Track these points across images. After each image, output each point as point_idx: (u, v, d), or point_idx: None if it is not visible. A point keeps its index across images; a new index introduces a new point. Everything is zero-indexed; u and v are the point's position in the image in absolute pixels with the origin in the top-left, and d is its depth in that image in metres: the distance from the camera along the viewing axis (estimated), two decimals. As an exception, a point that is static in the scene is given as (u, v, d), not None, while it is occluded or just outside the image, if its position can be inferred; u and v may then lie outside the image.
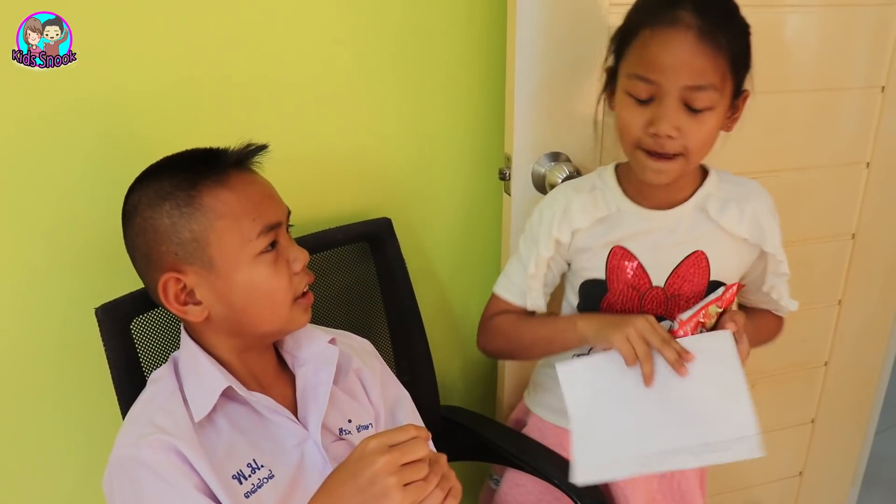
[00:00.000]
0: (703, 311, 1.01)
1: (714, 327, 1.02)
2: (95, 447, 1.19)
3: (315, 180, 1.23)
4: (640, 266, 1.06)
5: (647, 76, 0.93)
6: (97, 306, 0.98)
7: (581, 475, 0.98)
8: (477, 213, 1.38)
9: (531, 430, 1.26)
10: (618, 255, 1.07)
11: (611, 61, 1.03)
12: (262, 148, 0.90)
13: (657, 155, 0.96)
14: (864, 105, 1.43)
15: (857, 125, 1.45)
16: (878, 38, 1.38)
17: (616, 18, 1.18)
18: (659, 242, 1.06)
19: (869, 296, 1.61)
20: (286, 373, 0.99)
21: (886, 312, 1.66)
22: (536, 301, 1.13)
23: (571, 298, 1.15)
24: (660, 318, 1.05)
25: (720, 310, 1.02)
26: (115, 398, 0.99)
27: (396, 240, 1.25)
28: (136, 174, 0.90)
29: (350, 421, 0.97)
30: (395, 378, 1.10)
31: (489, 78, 1.28)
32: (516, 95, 1.17)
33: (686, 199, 1.06)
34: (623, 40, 0.99)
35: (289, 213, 0.93)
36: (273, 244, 0.88)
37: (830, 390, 1.67)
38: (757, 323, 1.14)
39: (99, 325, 0.98)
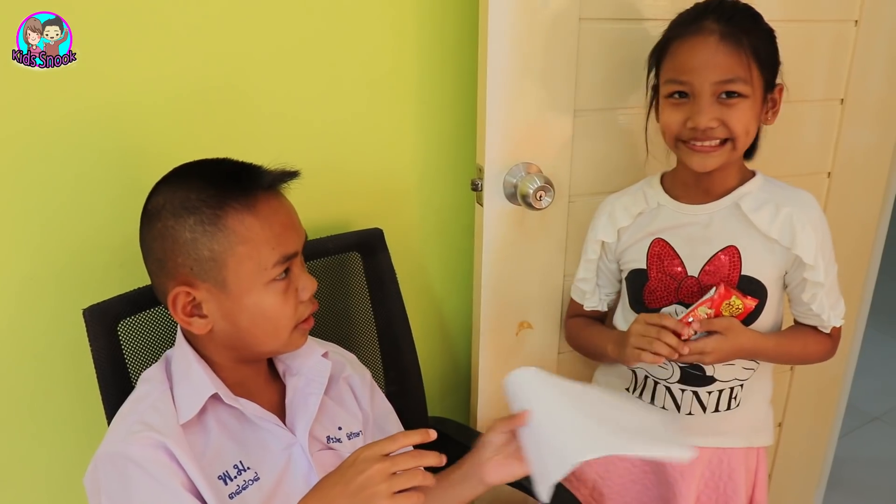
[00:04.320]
0: (693, 313, 1.06)
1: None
2: (82, 448, 1.19)
3: (307, 189, 1.23)
4: (677, 256, 1.15)
5: (679, 78, 1.05)
6: (85, 307, 0.99)
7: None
8: (453, 223, 1.39)
9: None
10: (657, 246, 1.17)
11: (652, 79, 1.14)
12: (294, 175, 0.91)
13: (699, 145, 1.06)
14: (825, 117, 1.47)
15: (818, 136, 1.49)
16: (837, 52, 1.42)
17: (586, 33, 1.21)
18: (694, 235, 1.14)
19: (832, 302, 1.64)
20: (276, 381, 1.00)
21: (849, 316, 1.69)
22: (591, 302, 1.28)
23: (623, 290, 1.25)
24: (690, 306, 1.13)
25: (710, 311, 1.07)
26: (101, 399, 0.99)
27: (387, 250, 1.27)
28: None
29: (340, 428, 1.00)
30: (381, 392, 1.12)
31: (462, 90, 1.30)
32: (488, 108, 1.18)
33: (723, 196, 1.13)
34: (658, 56, 1.11)
35: (305, 238, 0.94)
36: (286, 271, 0.89)
37: (796, 395, 1.71)
38: (791, 338, 1.17)
39: (86, 326, 0.99)
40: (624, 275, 1.23)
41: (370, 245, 1.26)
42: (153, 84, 1.09)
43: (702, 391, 1.18)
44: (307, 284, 0.92)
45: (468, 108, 1.29)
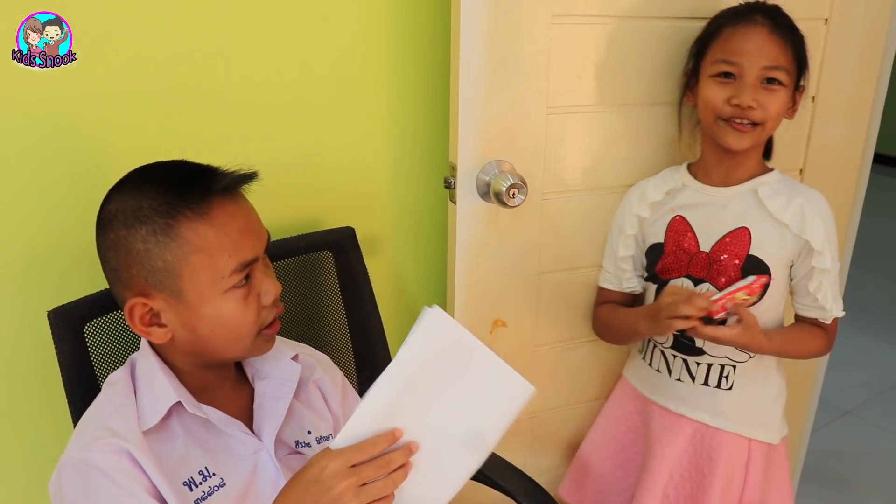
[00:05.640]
0: (731, 296, 1.13)
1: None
2: (48, 452, 1.15)
3: (277, 188, 1.22)
4: (692, 233, 1.23)
5: (731, 59, 1.15)
6: (50, 309, 0.97)
7: None
8: (425, 221, 1.39)
9: (618, 392, 1.42)
10: (676, 222, 1.26)
11: (690, 65, 1.25)
12: (251, 177, 0.87)
13: (737, 122, 1.15)
14: (797, 114, 1.48)
15: (790, 133, 1.49)
16: (808, 49, 1.43)
17: (559, 30, 1.21)
18: (712, 214, 1.23)
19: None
20: (245, 385, 0.98)
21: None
22: (630, 282, 1.34)
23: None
24: (700, 280, 1.22)
25: (747, 297, 1.14)
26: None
27: (359, 249, 1.26)
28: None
29: (310, 433, 0.98)
30: (356, 392, 1.11)
31: (435, 87, 1.29)
32: (461, 105, 1.18)
33: (743, 182, 1.22)
34: (705, 42, 1.21)
35: (268, 239, 0.91)
36: (247, 277, 0.86)
37: (769, 390, 1.72)
38: (796, 333, 1.26)
39: (51, 329, 0.97)
40: (645, 249, 1.30)
41: (342, 244, 1.25)
42: (123, 81, 1.07)
43: (690, 360, 1.26)
44: (270, 289, 0.88)
45: (441, 105, 1.29)
